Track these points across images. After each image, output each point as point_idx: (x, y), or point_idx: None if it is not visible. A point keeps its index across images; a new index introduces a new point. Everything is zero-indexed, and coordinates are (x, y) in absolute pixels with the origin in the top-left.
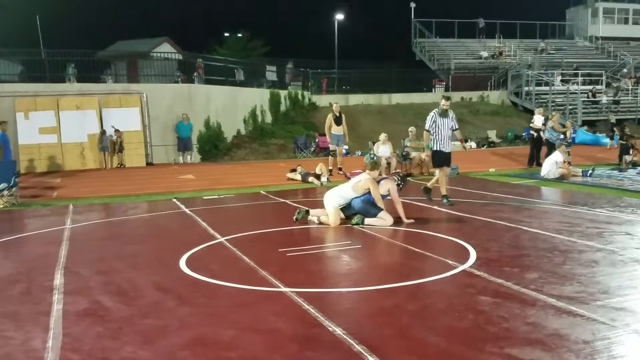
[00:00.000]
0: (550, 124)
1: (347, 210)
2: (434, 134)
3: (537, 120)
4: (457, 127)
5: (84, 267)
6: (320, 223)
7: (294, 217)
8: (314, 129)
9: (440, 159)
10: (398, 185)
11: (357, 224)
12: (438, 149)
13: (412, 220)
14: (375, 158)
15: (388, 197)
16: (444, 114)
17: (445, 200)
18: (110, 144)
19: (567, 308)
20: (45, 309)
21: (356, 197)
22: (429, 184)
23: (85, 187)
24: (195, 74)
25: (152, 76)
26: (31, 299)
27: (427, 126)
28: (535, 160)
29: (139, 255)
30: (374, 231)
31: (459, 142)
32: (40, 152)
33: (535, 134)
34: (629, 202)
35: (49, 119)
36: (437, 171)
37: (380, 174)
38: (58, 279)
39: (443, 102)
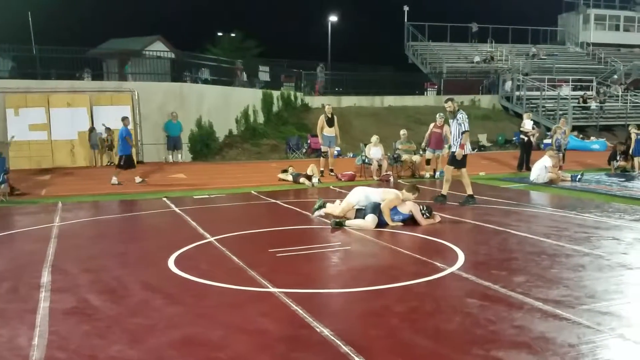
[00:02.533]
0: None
1: (361, 212)
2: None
3: (527, 124)
4: (465, 128)
5: (72, 265)
6: (326, 215)
7: (313, 209)
8: (306, 130)
9: (459, 159)
10: (423, 214)
11: (339, 224)
12: (452, 150)
13: (435, 220)
14: (366, 160)
15: (402, 219)
16: (450, 116)
17: (469, 200)
18: (100, 142)
19: (554, 312)
20: (32, 306)
21: (376, 202)
22: (443, 191)
23: (75, 184)
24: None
25: (145, 74)
26: (18, 297)
27: (465, 127)
28: (525, 164)
29: (127, 254)
30: (364, 233)
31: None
32: (30, 149)
33: (526, 138)
34: (617, 208)
35: (40, 116)
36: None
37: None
38: (45, 277)
39: (445, 105)
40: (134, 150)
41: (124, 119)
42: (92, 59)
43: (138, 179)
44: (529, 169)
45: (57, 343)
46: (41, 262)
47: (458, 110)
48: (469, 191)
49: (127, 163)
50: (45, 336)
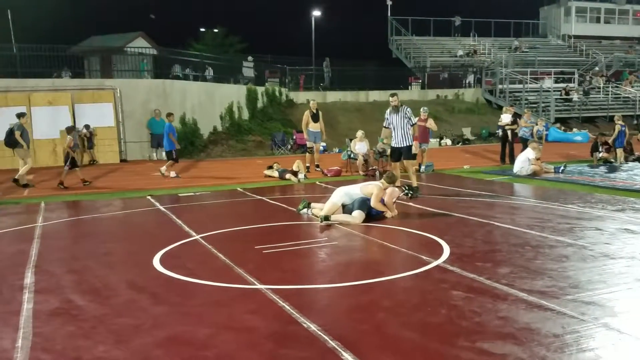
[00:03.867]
0: (522, 121)
1: (347, 208)
2: (392, 131)
3: (505, 118)
4: (413, 122)
5: (55, 266)
6: (313, 215)
7: (297, 208)
8: (292, 125)
9: (392, 152)
10: (406, 194)
11: (326, 219)
12: (393, 146)
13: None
14: (352, 155)
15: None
16: (394, 110)
17: (411, 192)
18: (80, 140)
19: (538, 302)
20: (16, 308)
21: (361, 197)
22: (413, 184)
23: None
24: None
25: (127, 71)
26: (1, 299)
27: (384, 123)
28: (509, 157)
29: (112, 253)
30: (350, 228)
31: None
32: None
33: (501, 132)
34: (599, 198)
35: None
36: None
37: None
38: (29, 278)
39: (390, 99)
40: (116, 149)
41: (169, 115)
42: (73, 57)
43: (173, 174)
44: (512, 161)
45: (41, 344)
46: (24, 263)
47: (401, 105)
48: (415, 183)
49: (170, 156)
50: (30, 338)
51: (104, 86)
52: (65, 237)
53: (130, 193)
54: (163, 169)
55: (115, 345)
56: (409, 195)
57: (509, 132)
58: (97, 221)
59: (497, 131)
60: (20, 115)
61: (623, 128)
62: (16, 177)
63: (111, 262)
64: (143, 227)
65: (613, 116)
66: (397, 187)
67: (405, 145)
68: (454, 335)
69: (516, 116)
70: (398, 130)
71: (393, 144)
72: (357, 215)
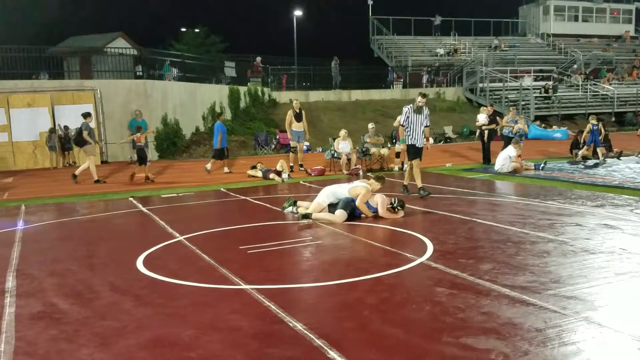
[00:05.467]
0: (505, 119)
1: (334, 207)
2: (408, 129)
3: (481, 118)
4: (428, 124)
5: (37, 269)
6: (314, 219)
7: (282, 206)
8: (275, 125)
9: (413, 151)
10: (394, 208)
11: (306, 216)
12: (411, 143)
13: (397, 215)
14: (335, 154)
15: (372, 212)
16: (418, 110)
17: (422, 192)
18: (58, 142)
19: (520, 297)
20: None
21: (347, 197)
22: (405, 182)
23: (38, 186)
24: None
25: (107, 72)
26: None
27: (401, 121)
28: (485, 156)
29: (94, 256)
30: (334, 227)
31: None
32: None
33: (478, 132)
34: (579, 194)
35: None
36: (406, 165)
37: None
38: (10, 282)
39: (419, 99)
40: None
41: (220, 114)
42: (52, 58)
43: (226, 169)
44: (488, 161)
45: (24, 349)
46: (5, 267)
47: (424, 106)
48: (407, 181)
49: (219, 154)
50: (12, 342)
51: (84, 87)
52: (47, 240)
53: (111, 195)
54: (208, 165)
55: (98, 348)
56: (397, 209)
57: (485, 132)
58: (79, 223)
59: (476, 132)
60: (86, 115)
61: (595, 127)
62: (76, 173)
63: (94, 265)
64: (126, 229)
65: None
66: (385, 195)
67: (421, 145)
68: (438, 331)
69: (496, 114)
70: (418, 129)
71: (412, 141)
72: (339, 214)
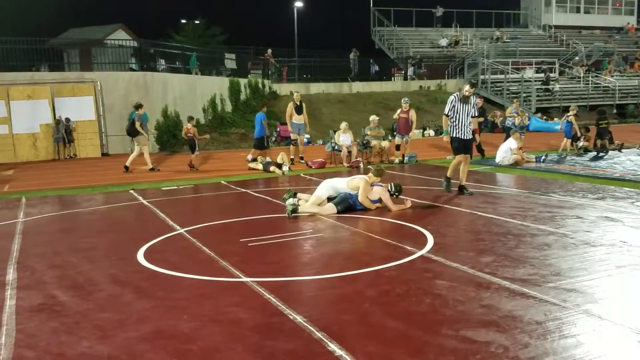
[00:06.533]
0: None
1: (339, 202)
2: (453, 120)
3: None
4: (476, 114)
5: (37, 262)
6: (301, 212)
7: (282, 198)
8: (275, 118)
9: (459, 145)
10: (392, 194)
11: (294, 211)
12: (456, 136)
13: (406, 205)
14: (336, 147)
15: (377, 204)
16: (465, 100)
17: (465, 191)
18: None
19: (520, 290)
20: None
21: (346, 192)
22: (461, 182)
23: (39, 179)
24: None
25: (107, 64)
26: None
27: (445, 110)
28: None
29: (94, 248)
30: (334, 219)
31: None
32: None
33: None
34: (580, 187)
35: None
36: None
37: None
38: (11, 274)
39: (467, 88)
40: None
41: (264, 105)
42: (52, 50)
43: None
44: (482, 153)
45: (24, 341)
46: (6, 260)
47: (472, 95)
48: (464, 181)
49: (259, 144)
50: (13, 334)
51: (84, 79)
52: (47, 232)
53: (112, 187)
54: (249, 156)
55: (99, 340)
56: (395, 195)
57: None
58: (80, 216)
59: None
60: (138, 106)
61: (567, 118)
62: (127, 164)
63: (94, 257)
64: (126, 222)
65: (595, 106)
66: (381, 185)
67: (469, 137)
68: (438, 323)
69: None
70: (465, 120)
71: (458, 134)
72: (329, 207)
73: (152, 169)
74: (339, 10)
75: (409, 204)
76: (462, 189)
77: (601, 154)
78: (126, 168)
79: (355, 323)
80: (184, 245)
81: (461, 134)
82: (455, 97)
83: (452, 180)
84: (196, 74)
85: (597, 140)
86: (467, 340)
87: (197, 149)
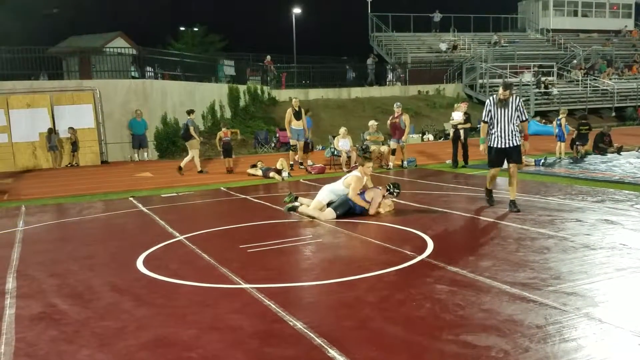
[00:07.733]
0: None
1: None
2: (491, 127)
3: (456, 116)
4: (524, 118)
5: (37, 270)
6: (300, 213)
7: (284, 200)
8: (274, 123)
9: (495, 156)
10: (391, 193)
11: (292, 209)
12: (493, 145)
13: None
14: (335, 152)
15: (369, 203)
16: (502, 103)
17: (513, 207)
18: (59, 143)
19: (521, 294)
20: None
21: (345, 195)
22: (511, 197)
23: (38, 187)
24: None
25: (106, 72)
26: None
27: (483, 117)
28: (463, 159)
29: (94, 256)
30: (334, 224)
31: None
32: None
33: (452, 132)
34: (579, 190)
35: None
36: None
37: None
38: (10, 283)
39: (500, 90)
40: (97, 150)
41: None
42: (51, 58)
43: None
44: (467, 162)
45: (24, 350)
46: (5, 268)
47: (513, 96)
48: (514, 195)
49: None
50: (12, 343)
51: (83, 87)
52: (47, 240)
53: (111, 195)
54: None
55: (99, 348)
56: (395, 193)
57: (461, 132)
58: (79, 224)
59: (446, 131)
60: (190, 112)
61: (558, 121)
62: (181, 165)
63: (94, 265)
64: (126, 229)
65: (594, 109)
66: (375, 188)
67: (513, 145)
68: (438, 328)
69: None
70: (505, 126)
71: (495, 143)
72: (327, 212)
73: (200, 171)
74: (337, 16)
75: (388, 208)
76: (512, 205)
77: (582, 158)
78: (180, 169)
79: (356, 329)
80: (183, 252)
81: (499, 142)
82: (490, 100)
83: (492, 191)
84: (227, 82)
85: (577, 145)
86: (467, 345)
87: (232, 153)
